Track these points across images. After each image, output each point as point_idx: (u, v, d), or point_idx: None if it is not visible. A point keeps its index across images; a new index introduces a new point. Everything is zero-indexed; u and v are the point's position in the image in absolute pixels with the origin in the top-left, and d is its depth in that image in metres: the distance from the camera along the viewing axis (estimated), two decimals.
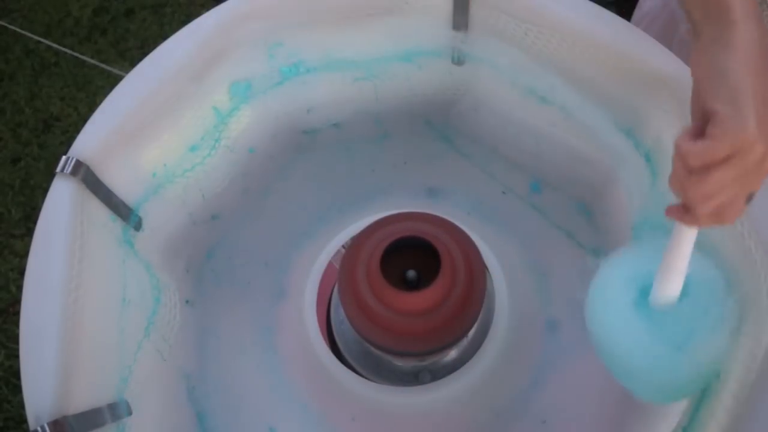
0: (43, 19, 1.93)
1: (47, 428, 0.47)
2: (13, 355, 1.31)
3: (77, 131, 0.60)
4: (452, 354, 0.74)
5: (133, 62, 0.66)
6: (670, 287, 0.44)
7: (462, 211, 0.83)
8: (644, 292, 0.46)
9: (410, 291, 0.61)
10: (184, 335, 0.70)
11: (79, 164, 0.57)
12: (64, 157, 0.57)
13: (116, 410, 0.55)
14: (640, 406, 0.61)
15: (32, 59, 1.86)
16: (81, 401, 0.51)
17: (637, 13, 0.84)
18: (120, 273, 0.61)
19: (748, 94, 0.36)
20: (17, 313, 0.64)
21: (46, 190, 0.56)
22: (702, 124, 0.38)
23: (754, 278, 0.49)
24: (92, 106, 1.68)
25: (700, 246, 0.43)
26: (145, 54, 0.64)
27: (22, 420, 1.24)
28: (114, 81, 0.68)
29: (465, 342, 0.74)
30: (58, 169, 0.57)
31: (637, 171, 0.66)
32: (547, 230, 0.79)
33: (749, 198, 0.39)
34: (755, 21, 0.39)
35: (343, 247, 0.81)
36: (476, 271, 0.64)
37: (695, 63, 0.40)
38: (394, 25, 0.70)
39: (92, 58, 1.76)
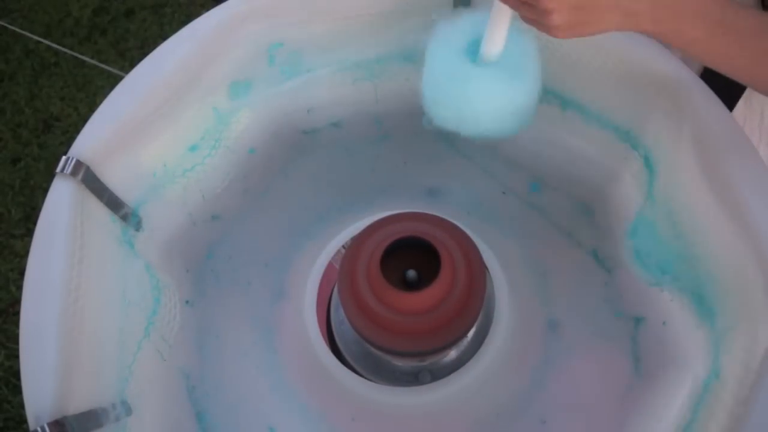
0: (43, 19, 1.94)
1: (47, 428, 0.47)
2: (13, 355, 1.31)
3: (77, 131, 0.60)
4: (452, 354, 0.74)
5: (133, 62, 0.66)
6: (495, 42, 0.53)
7: (462, 211, 0.83)
8: (474, 47, 0.55)
9: (410, 291, 0.61)
10: (184, 335, 0.70)
11: (79, 164, 0.57)
12: (64, 158, 0.57)
13: (116, 410, 0.55)
14: (640, 406, 0.61)
15: (32, 59, 1.86)
16: (81, 401, 0.51)
17: None
18: (120, 273, 0.61)
19: None
20: (17, 313, 0.64)
21: (46, 190, 0.56)
22: None
23: (754, 279, 0.49)
24: (92, 106, 1.68)
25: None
26: (145, 54, 0.64)
27: (22, 420, 1.24)
28: (114, 81, 0.68)
29: (465, 342, 0.74)
30: (58, 169, 0.57)
31: (636, 171, 0.66)
32: (547, 230, 0.79)
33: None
34: None
35: (343, 247, 0.81)
36: (476, 271, 0.64)
37: None
38: (394, 25, 0.70)
39: (92, 58, 1.76)
